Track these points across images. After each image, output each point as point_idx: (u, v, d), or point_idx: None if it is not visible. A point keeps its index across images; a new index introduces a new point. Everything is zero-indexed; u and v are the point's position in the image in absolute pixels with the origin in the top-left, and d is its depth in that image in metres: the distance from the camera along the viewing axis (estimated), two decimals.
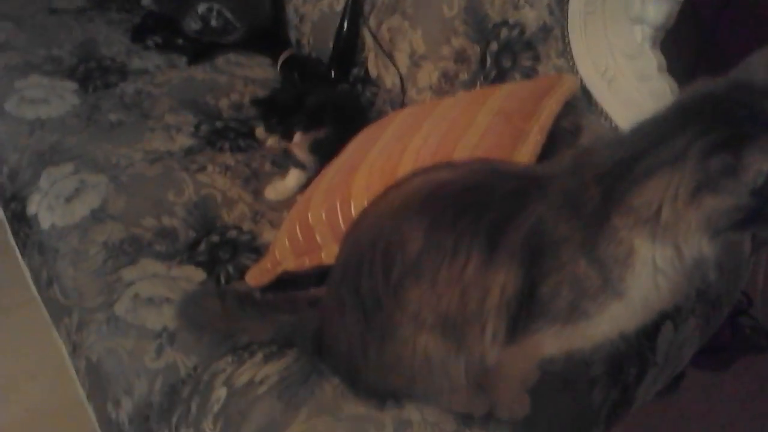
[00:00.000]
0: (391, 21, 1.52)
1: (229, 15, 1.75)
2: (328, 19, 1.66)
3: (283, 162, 1.41)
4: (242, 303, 1.01)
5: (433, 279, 0.75)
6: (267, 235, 1.26)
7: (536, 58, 1.27)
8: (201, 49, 1.76)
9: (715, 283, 1.10)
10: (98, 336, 1.11)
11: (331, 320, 0.89)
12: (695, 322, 1.09)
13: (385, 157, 1.13)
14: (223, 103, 1.60)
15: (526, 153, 1.05)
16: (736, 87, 0.69)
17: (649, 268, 0.70)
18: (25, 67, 1.65)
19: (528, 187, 0.75)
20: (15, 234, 1.40)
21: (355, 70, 1.62)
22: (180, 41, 1.77)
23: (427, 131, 1.14)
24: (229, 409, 0.94)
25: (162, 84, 1.64)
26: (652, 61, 1.12)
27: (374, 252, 0.78)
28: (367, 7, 1.57)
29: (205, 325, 1.04)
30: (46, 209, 1.32)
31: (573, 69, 1.21)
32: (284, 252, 1.14)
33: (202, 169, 1.38)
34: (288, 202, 1.32)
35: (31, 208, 1.34)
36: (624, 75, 1.16)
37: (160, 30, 1.78)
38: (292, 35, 1.81)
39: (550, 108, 1.12)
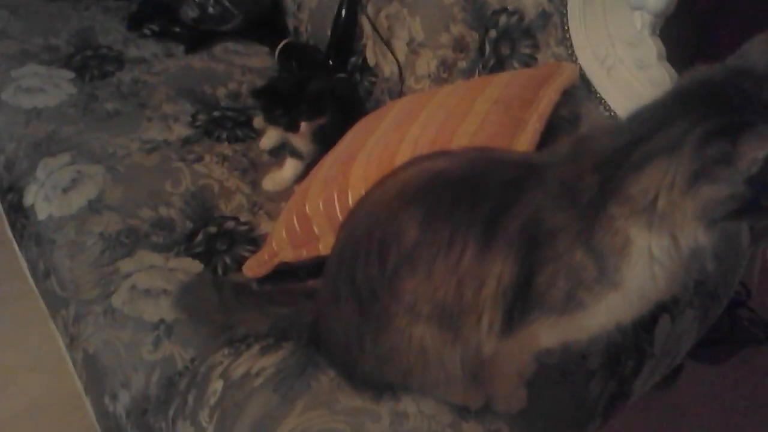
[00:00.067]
0: (389, 8, 1.50)
1: (226, 2, 1.74)
2: (326, 7, 1.65)
3: (281, 152, 1.41)
4: (239, 294, 1.01)
5: (429, 269, 0.74)
6: (265, 226, 1.26)
7: (535, 46, 1.26)
8: (198, 38, 1.75)
9: (713, 275, 1.10)
10: (95, 328, 1.11)
11: (326, 311, 0.89)
12: (693, 314, 1.08)
13: (382, 146, 1.12)
14: (221, 92, 1.59)
15: (524, 142, 1.05)
16: (734, 74, 0.68)
17: (646, 258, 0.70)
18: (22, 56, 1.64)
19: (525, 175, 0.74)
20: (12, 225, 1.40)
21: (353, 59, 1.61)
22: (177, 29, 1.76)
23: (425, 120, 1.13)
24: (225, 401, 0.94)
25: (159, 73, 1.63)
26: (651, 48, 1.11)
27: (370, 242, 0.78)
28: None
29: (202, 316, 1.04)
30: (43, 200, 1.31)
31: (572, 57, 1.20)
32: (282, 243, 1.14)
33: (200, 159, 1.37)
34: (286, 193, 1.31)
35: (28, 199, 1.33)
36: (623, 63, 1.15)
37: (157, 18, 1.77)
38: (290, 23, 1.80)
39: (549, 96, 1.11)
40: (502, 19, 1.29)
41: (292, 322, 0.97)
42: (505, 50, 1.30)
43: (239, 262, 1.17)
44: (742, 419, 1.69)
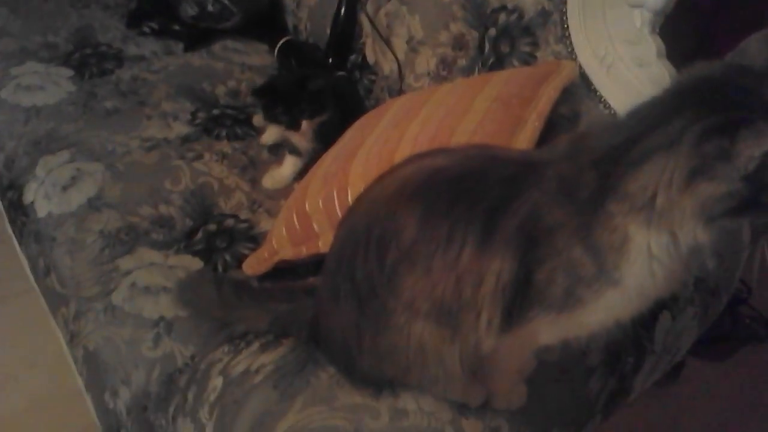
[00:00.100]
0: (388, 6, 1.50)
1: (225, 0, 1.73)
2: (326, 5, 1.65)
3: (280, 150, 1.41)
4: (239, 291, 1.02)
5: (428, 266, 0.74)
6: (264, 223, 1.26)
7: (535, 44, 1.26)
8: (197, 36, 1.75)
9: (713, 272, 1.10)
10: (95, 325, 1.11)
11: (326, 308, 0.89)
12: (693, 311, 1.09)
13: (382, 143, 1.12)
14: (220, 90, 1.59)
15: (524, 140, 1.05)
16: (732, 71, 0.68)
17: (644, 256, 0.70)
18: (21, 53, 1.64)
19: (523, 172, 0.74)
20: (12, 223, 1.40)
21: (352, 57, 1.61)
22: (176, 27, 1.76)
23: (424, 118, 1.13)
24: (225, 398, 0.94)
25: (158, 71, 1.63)
26: (651, 46, 1.11)
27: (369, 239, 0.78)
28: None
29: (202, 312, 1.04)
30: (43, 197, 1.31)
31: (572, 55, 1.20)
32: (281, 241, 1.14)
33: (199, 157, 1.37)
34: (285, 191, 1.31)
35: (28, 197, 1.33)
36: (623, 61, 1.15)
37: (156, 16, 1.77)
38: (290, 21, 1.80)
39: (549, 94, 1.11)
40: (502, 17, 1.29)
41: (291, 319, 0.97)
42: (505, 48, 1.30)
43: (239, 260, 1.17)
44: (743, 416, 1.69)
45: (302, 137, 1.32)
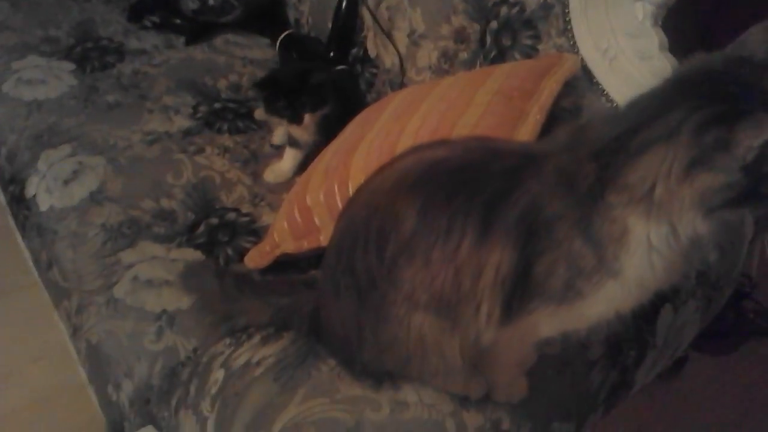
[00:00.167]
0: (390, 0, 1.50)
1: None
2: None
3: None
4: (240, 284, 1.02)
5: (427, 258, 0.74)
6: (266, 217, 1.26)
7: (536, 37, 1.25)
8: (199, 29, 1.75)
9: (715, 265, 1.10)
10: (98, 318, 1.11)
11: (326, 300, 0.89)
12: (695, 305, 1.08)
13: (383, 137, 1.12)
14: (222, 84, 1.59)
15: (525, 133, 1.05)
16: (733, 62, 0.68)
17: (644, 247, 0.70)
18: (23, 47, 1.64)
19: (523, 164, 0.74)
20: (14, 216, 1.40)
21: (354, 50, 1.60)
22: (178, 21, 1.76)
23: (425, 111, 1.13)
24: (226, 390, 0.94)
25: (160, 64, 1.63)
26: (653, 39, 1.11)
27: (368, 231, 0.78)
28: None
29: (204, 303, 1.04)
30: (45, 191, 1.31)
31: (574, 48, 1.20)
32: (283, 234, 1.14)
33: (201, 150, 1.38)
34: (287, 184, 1.31)
35: (30, 190, 1.33)
36: (625, 54, 1.15)
37: (158, 9, 1.77)
38: (291, 15, 1.79)
39: (551, 88, 1.11)
40: (503, 10, 1.29)
41: (292, 312, 0.97)
42: (507, 41, 1.29)
43: (241, 254, 1.17)
44: (747, 411, 1.69)
45: (304, 131, 1.32)
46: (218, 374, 0.97)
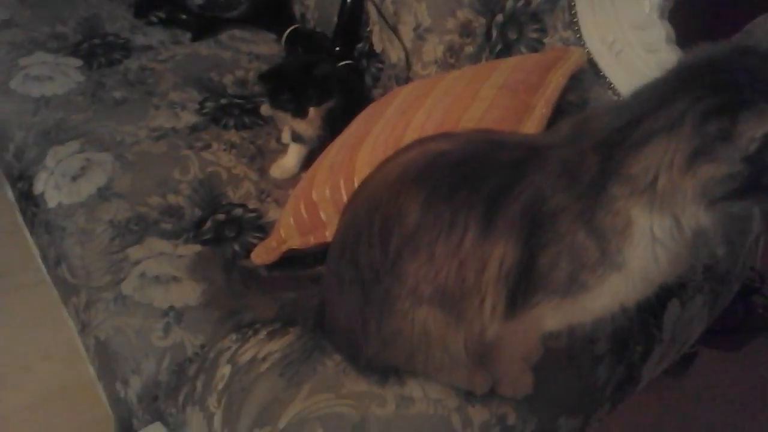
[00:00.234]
0: None
1: None
2: None
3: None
4: (247, 280, 1.02)
5: (431, 252, 0.74)
6: (273, 213, 1.26)
7: (542, 30, 1.25)
8: (205, 25, 1.75)
9: (722, 259, 1.09)
10: (106, 315, 1.12)
11: (331, 294, 0.89)
12: (703, 299, 1.08)
13: (389, 132, 1.12)
14: (228, 80, 1.59)
15: (531, 127, 1.04)
16: (738, 52, 0.67)
17: (648, 239, 0.69)
18: (30, 44, 1.64)
19: (526, 157, 0.74)
20: (23, 213, 1.41)
21: (359, 45, 1.60)
22: (184, 16, 1.76)
23: (431, 105, 1.13)
24: (232, 386, 0.95)
25: (166, 60, 1.63)
26: (660, 32, 1.10)
27: (372, 225, 0.78)
28: None
29: (211, 292, 1.04)
30: (53, 188, 1.32)
31: (580, 41, 1.19)
32: (289, 230, 1.14)
33: (207, 146, 1.38)
34: (294, 180, 1.31)
35: (38, 187, 1.34)
36: (632, 47, 1.14)
37: (164, 5, 1.77)
38: (297, 9, 1.79)
39: (557, 81, 1.11)
40: (509, 4, 1.28)
41: (298, 307, 0.97)
42: (512, 35, 1.29)
43: (248, 249, 1.18)
44: (756, 407, 1.68)
45: (308, 125, 1.32)
46: (225, 370, 0.98)
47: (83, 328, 1.16)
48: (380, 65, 1.56)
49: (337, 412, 0.87)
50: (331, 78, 1.31)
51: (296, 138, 1.34)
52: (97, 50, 1.64)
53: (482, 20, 1.34)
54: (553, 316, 0.77)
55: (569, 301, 0.74)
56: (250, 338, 1.00)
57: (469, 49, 1.37)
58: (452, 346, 0.79)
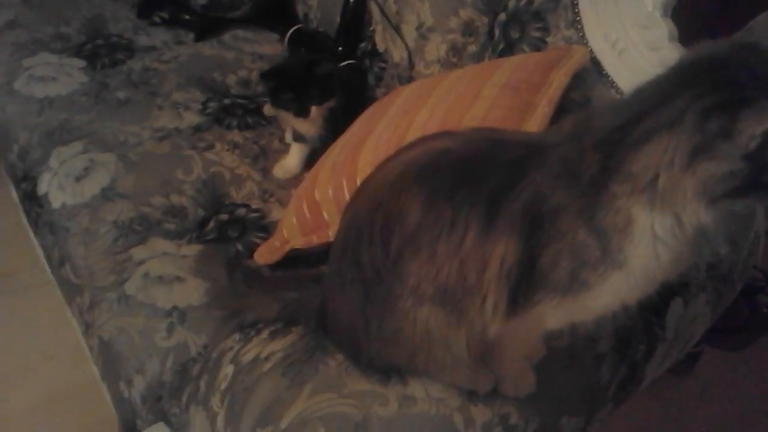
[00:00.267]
0: None
1: None
2: None
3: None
4: (250, 280, 1.02)
5: (432, 250, 0.74)
6: (276, 213, 1.26)
7: (545, 29, 1.24)
8: (208, 25, 1.75)
9: (726, 258, 1.09)
10: (109, 315, 1.12)
11: (332, 294, 0.89)
12: (706, 298, 1.07)
13: (391, 131, 1.12)
14: (231, 80, 1.59)
15: (533, 126, 1.04)
16: (739, 49, 0.67)
17: (649, 237, 0.69)
18: (34, 44, 1.64)
19: (527, 155, 0.74)
20: (27, 214, 1.41)
21: (362, 45, 1.60)
22: (187, 17, 1.75)
23: (433, 105, 1.13)
24: (235, 386, 0.95)
25: (169, 61, 1.63)
26: (663, 30, 1.10)
27: (373, 223, 0.78)
28: None
29: (214, 296, 1.05)
30: (57, 188, 1.32)
31: (583, 40, 1.19)
32: (292, 230, 1.14)
33: (211, 146, 1.38)
34: (296, 180, 1.31)
35: (42, 188, 1.34)
36: (635, 45, 1.14)
37: (167, 5, 1.77)
38: (300, 9, 1.79)
39: (559, 80, 1.11)
40: (512, 2, 1.28)
41: (300, 307, 0.97)
42: (515, 34, 1.28)
43: (251, 249, 1.18)
44: (761, 406, 1.68)
45: (310, 124, 1.32)
46: (228, 370, 0.98)
47: (87, 328, 1.16)
48: (383, 65, 1.56)
49: (339, 411, 0.87)
50: (333, 77, 1.31)
51: (297, 138, 1.34)
52: (100, 51, 1.64)
53: (485, 19, 1.34)
54: (554, 314, 0.77)
55: (570, 299, 0.74)
56: (252, 338, 1.00)
57: (472, 48, 1.37)
58: (454, 345, 0.79)
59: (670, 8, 1.10)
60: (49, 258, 1.32)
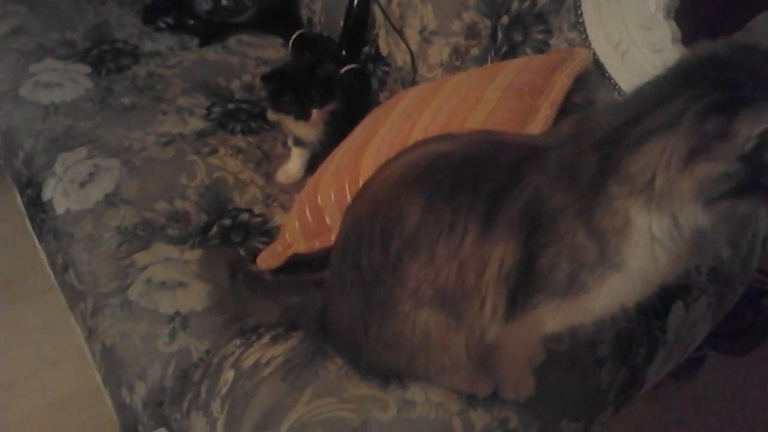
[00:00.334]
0: None
1: None
2: None
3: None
4: (252, 284, 1.02)
5: (431, 253, 0.74)
6: (279, 218, 1.26)
7: (548, 32, 1.24)
8: (212, 30, 1.76)
9: (727, 261, 1.08)
10: (112, 321, 1.12)
11: (333, 298, 0.89)
12: (707, 301, 1.06)
13: (393, 135, 1.12)
14: (235, 85, 1.60)
15: (536, 128, 1.04)
16: (738, 49, 0.67)
17: (646, 239, 0.69)
18: (39, 51, 1.65)
19: (526, 157, 0.74)
20: (31, 219, 1.42)
21: (366, 48, 1.60)
22: (191, 22, 1.77)
23: (436, 108, 1.13)
24: (235, 391, 0.95)
25: (174, 66, 1.64)
26: (666, 32, 1.09)
27: (373, 226, 0.78)
28: None
29: (216, 299, 1.05)
30: (61, 194, 1.33)
31: (586, 42, 1.18)
32: (295, 235, 1.14)
33: (214, 151, 1.39)
34: (299, 185, 1.32)
35: (46, 194, 1.35)
36: (638, 47, 1.13)
37: (172, 11, 1.78)
38: (304, 14, 1.80)
39: (562, 83, 1.10)
40: (515, 5, 1.28)
41: (301, 311, 0.97)
42: (518, 36, 1.28)
43: (254, 254, 1.18)
44: (764, 411, 1.66)
45: (311, 128, 1.32)
46: (228, 375, 0.98)
47: (90, 334, 1.17)
48: (386, 68, 1.56)
49: (338, 416, 0.86)
50: (334, 79, 1.31)
51: (297, 142, 1.34)
52: (105, 57, 1.65)
53: (488, 22, 1.33)
54: (553, 317, 0.77)
55: (569, 301, 0.74)
56: (253, 343, 1.00)
57: (475, 51, 1.36)
58: (453, 348, 0.79)
59: (673, 10, 1.10)
60: (52, 264, 1.33)
